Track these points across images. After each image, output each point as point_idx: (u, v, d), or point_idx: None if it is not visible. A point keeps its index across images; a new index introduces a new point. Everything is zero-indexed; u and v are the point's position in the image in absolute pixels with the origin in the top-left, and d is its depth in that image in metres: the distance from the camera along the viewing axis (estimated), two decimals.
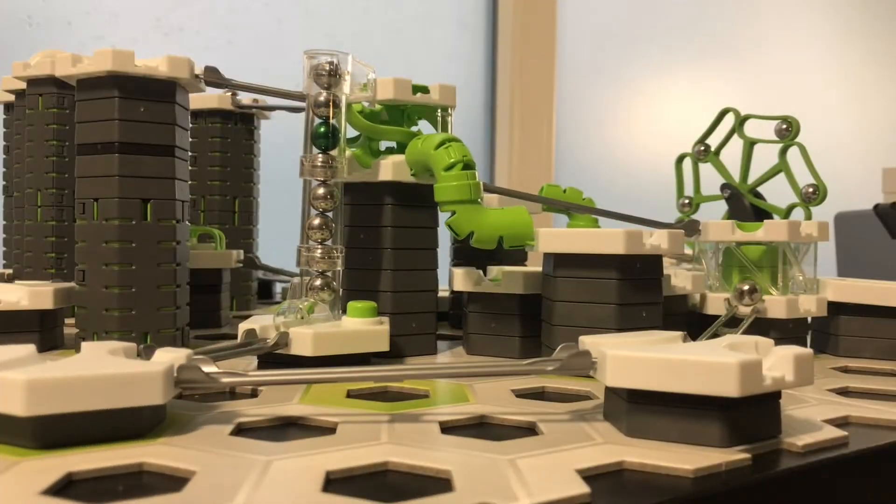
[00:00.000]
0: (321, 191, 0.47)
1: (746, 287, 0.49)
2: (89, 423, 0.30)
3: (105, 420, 0.30)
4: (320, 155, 0.47)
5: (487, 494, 0.25)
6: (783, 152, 0.60)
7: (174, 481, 0.27)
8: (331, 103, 0.47)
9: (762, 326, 0.52)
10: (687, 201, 0.70)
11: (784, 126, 0.59)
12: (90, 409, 0.29)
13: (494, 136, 1.55)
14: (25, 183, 0.63)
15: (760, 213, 0.63)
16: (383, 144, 0.55)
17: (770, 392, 0.31)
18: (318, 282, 0.47)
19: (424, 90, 0.53)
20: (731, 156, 0.66)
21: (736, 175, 0.65)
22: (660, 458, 0.29)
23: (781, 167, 0.60)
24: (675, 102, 1.77)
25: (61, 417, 0.29)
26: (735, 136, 0.65)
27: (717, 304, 0.55)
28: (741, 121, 0.64)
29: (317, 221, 0.47)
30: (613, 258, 0.45)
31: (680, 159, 0.71)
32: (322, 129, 0.47)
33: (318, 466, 0.28)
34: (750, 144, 0.64)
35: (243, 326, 0.44)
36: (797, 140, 0.59)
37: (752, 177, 0.64)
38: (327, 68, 0.47)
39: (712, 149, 0.67)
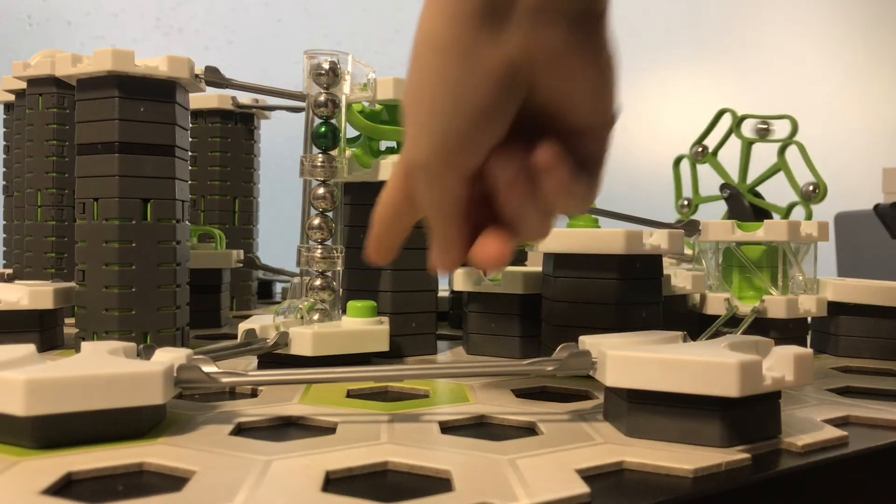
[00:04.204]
0: (321, 191, 0.47)
1: None
2: (89, 423, 0.30)
3: (105, 420, 0.30)
4: (320, 155, 0.47)
5: (487, 494, 0.25)
6: (782, 151, 0.60)
7: (174, 481, 0.27)
8: (331, 103, 0.47)
9: (762, 326, 0.52)
10: (686, 203, 0.70)
11: (763, 126, 0.59)
12: (90, 409, 0.29)
13: None
14: (25, 183, 0.63)
15: (760, 213, 0.63)
16: (383, 144, 0.54)
17: (770, 392, 0.31)
18: (318, 282, 0.47)
19: None
20: (731, 156, 0.66)
21: (735, 175, 0.65)
22: (660, 458, 0.29)
23: (781, 166, 0.60)
24: (674, 103, 1.77)
25: (61, 417, 0.29)
26: (733, 137, 0.65)
27: (717, 304, 0.55)
28: (739, 121, 0.64)
29: (317, 221, 0.47)
30: (613, 258, 0.45)
31: (677, 161, 0.71)
32: (322, 129, 0.47)
33: (318, 466, 0.28)
34: (748, 144, 0.64)
35: (243, 326, 0.44)
36: (796, 139, 0.59)
37: (751, 177, 0.64)
38: (327, 68, 0.47)
39: (710, 149, 0.67)
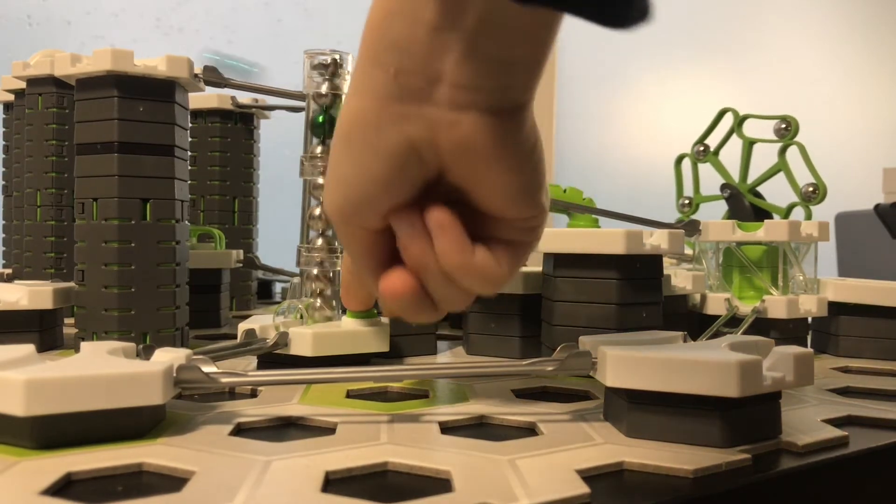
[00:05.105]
0: (321, 181, 0.47)
1: None
2: (89, 423, 0.30)
3: (105, 420, 0.30)
4: (319, 146, 0.47)
5: (487, 494, 0.25)
6: (782, 152, 0.60)
7: (174, 481, 0.27)
8: (331, 93, 0.47)
9: (762, 326, 0.52)
10: (687, 201, 0.70)
11: (783, 125, 0.59)
12: (90, 409, 0.29)
13: None
14: (25, 183, 0.63)
15: (760, 213, 0.63)
16: None
17: (770, 392, 0.31)
18: (318, 282, 0.47)
19: None
20: (731, 156, 0.66)
21: (735, 175, 0.65)
22: (660, 458, 0.29)
23: (781, 167, 0.60)
24: (675, 102, 1.77)
25: (61, 417, 0.29)
26: (734, 136, 0.65)
27: (717, 304, 0.55)
28: (740, 121, 0.64)
29: (317, 212, 0.47)
30: (613, 258, 0.45)
31: (679, 160, 0.71)
32: (320, 119, 0.47)
33: (318, 466, 0.28)
34: (749, 144, 0.64)
35: (243, 326, 0.44)
36: (796, 139, 0.59)
37: (752, 176, 0.64)
38: (328, 61, 0.47)
39: (711, 149, 0.67)
